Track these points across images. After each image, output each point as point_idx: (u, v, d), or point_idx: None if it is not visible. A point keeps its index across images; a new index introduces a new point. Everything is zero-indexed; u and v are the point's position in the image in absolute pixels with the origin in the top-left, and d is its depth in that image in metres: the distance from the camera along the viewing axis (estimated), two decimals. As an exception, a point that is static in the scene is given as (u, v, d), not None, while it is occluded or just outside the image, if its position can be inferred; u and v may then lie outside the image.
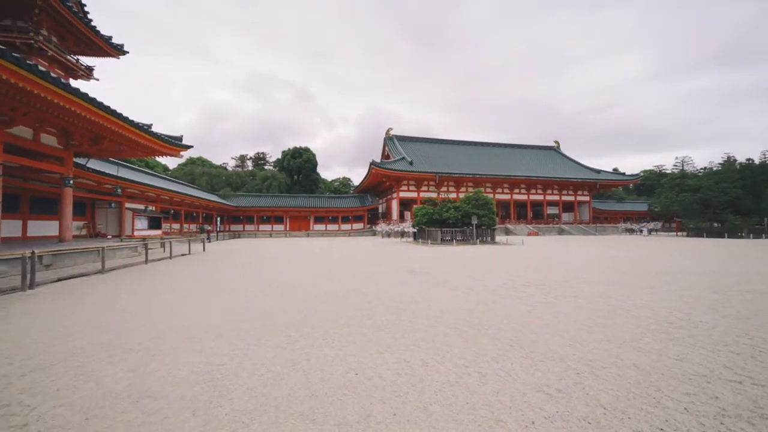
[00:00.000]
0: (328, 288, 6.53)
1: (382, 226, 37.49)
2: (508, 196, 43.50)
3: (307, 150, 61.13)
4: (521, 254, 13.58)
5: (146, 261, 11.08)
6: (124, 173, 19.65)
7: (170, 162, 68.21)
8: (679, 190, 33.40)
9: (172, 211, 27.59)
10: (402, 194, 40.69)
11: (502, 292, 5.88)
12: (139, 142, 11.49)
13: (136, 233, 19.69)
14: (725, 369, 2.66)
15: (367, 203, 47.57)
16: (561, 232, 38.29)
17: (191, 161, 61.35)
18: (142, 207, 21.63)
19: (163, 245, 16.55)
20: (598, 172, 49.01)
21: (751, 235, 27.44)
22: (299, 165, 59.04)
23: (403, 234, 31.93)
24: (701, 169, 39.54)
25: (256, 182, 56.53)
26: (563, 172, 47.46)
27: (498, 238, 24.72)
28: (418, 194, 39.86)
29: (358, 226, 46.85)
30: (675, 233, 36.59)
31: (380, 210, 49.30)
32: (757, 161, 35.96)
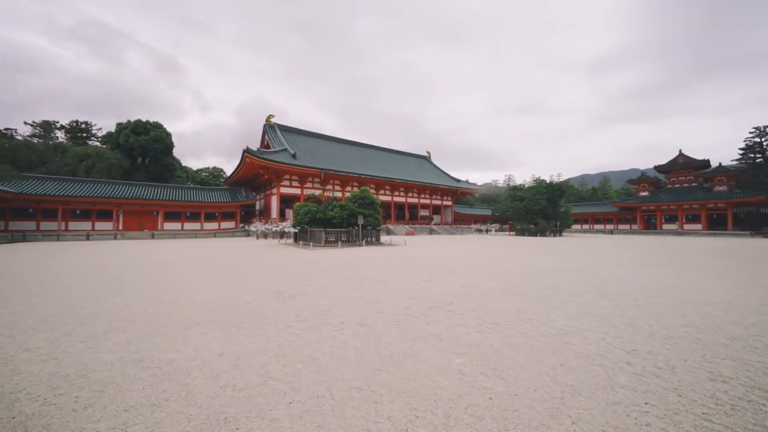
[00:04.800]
0: (83, 363, 3.12)
1: (257, 226, 32.32)
2: (389, 198, 45.23)
3: (157, 126, 47.74)
4: (409, 257, 12.85)
5: None
6: None
7: None
8: (512, 199, 42.25)
9: None
10: (283, 190, 36.34)
11: (411, 328, 4.14)
12: None
13: None
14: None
15: (240, 198, 40.62)
16: (431, 231, 42.35)
17: (-70, 119, 38.26)
18: None
19: None
20: (458, 181, 57.67)
21: (552, 234, 37.16)
22: (144, 144, 45.46)
23: (282, 234, 28.08)
24: (521, 184, 52.29)
25: (67, 161, 40.15)
26: (434, 179, 53.27)
27: (382, 239, 24.47)
28: (302, 191, 36.44)
29: (229, 225, 39.45)
30: (508, 233, 46.14)
31: (258, 207, 43.04)
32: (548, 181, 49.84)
